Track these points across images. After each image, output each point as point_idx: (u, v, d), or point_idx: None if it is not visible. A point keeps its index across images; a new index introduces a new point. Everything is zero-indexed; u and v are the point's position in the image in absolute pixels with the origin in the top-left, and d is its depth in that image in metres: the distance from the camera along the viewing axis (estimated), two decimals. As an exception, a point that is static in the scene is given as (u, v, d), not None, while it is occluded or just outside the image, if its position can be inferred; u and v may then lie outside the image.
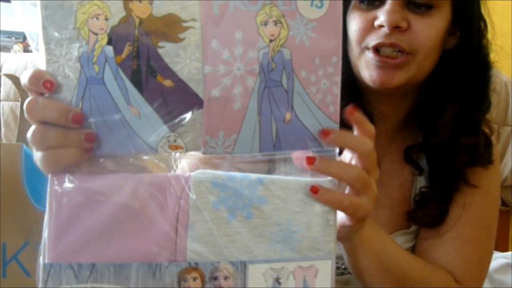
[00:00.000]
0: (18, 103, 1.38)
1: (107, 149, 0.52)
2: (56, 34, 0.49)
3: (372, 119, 0.83)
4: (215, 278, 0.55)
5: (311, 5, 0.52)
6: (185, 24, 0.50)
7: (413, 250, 0.88)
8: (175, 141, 0.51)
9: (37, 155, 0.52)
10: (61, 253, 0.53)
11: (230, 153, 0.53)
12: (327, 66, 0.54)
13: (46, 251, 0.53)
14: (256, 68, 0.51)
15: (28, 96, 0.51)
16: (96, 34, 0.49)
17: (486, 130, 0.86)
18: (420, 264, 0.81)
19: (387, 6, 0.76)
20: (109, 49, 0.49)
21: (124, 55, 0.50)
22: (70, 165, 0.52)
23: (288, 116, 0.53)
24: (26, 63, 1.71)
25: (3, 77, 1.19)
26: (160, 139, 0.51)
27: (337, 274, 0.87)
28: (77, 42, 0.49)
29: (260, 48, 0.51)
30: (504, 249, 1.33)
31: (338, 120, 0.55)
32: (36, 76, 0.50)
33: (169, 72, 0.50)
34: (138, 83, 0.50)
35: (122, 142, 0.51)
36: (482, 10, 0.84)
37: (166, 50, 0.50)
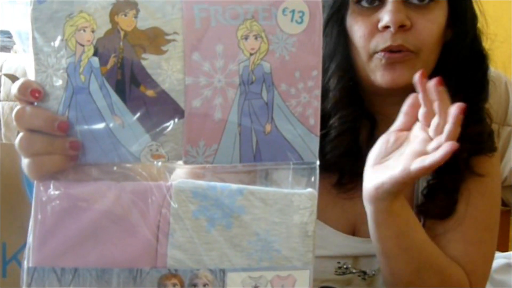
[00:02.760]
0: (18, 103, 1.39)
1: (91, 157, 0.54)
2: (45, 45, 0.52)
3: (375, 120, 0.87)
4: (194, 285, 0.57)
5: (291, 20, 0.55)
6: (168, 37, 0.52)
7: None
8: (157, 150, 0.54)
9: (24, 162, 0.55)
10: (44, 257, 0.55)
11: (211, 162, 0.55)
12: (307, 79, 0.56)
13: (31, 255, 0.55)
14: (236, 80, 0.54)
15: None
16: (82, 45, 0.52)
17: (487, 119, 0.88)
18: (439, 253, 0.82)
19: (390, 6, 0.77)
20: (95, 60, 0.52)
21: (109, 66, 0.52)
22: (55, 171, 0.54)
23: (268, 127, 0.55)
24: (26, 63, 1.73)
25: (3, 77, 1.22)
26: (142, 148, 0.53)
27: (338, 274, 0.89)
28: (65, 53, 0.52)
29: (241, 61, 0.54)
30: (504, 249, 1.33)
31: (318, 133, 0.57)
32: (25, 86, 0.53)
33: (151, 83, 0.52)
34: (122, 93, 0.52)
35: (106, 151, 0.53)
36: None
37: (149, 62, 0.52)
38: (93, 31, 0.52)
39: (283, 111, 0.57)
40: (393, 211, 0.73)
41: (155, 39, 0.53)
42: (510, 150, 1.45)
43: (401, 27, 0.77)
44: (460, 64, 0.84)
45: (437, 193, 0.86)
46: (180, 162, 0.57)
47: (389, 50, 0.78)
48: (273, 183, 0.59)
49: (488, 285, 1.10)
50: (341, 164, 0.84)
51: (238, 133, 0.56)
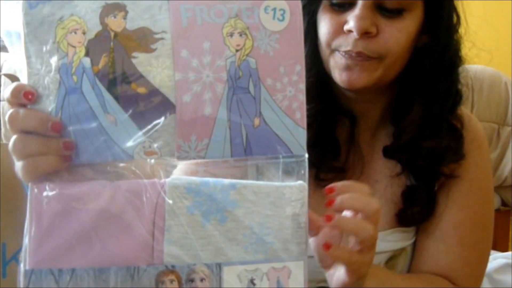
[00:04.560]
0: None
1: (85, 157, 0.55)
2: (37, 48, 0.54)
3: (354, 117, 0.88)
4: (192, 280, 0.58)
5: (273, 18, 0.57)
6: (156, 36, 0.54)
7: (413, 248, 0.91)
8: (150, 146, 0.55)
9: (18, 165, 0.56)
10: (42, 259, 0.56)
11: (203, 157, 0.56)
12: (291, 74, 0.58)
13: (27, 258, 0.56)
14: (224, 76, 0.56)
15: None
16: (74, 47, 0.54)
17: (458, 124, 0.88)
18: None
19: (357, 10, 0.78)
20: (87, 61, 0.54)
21: (100, 65, 0.54)
22: (49, 172, 0.55)
23: (256, 121, 0.57)
24: (18, 66, 1.73)
25: (3, 77, 1.23)
26: (136, 145, 0.55)
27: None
28: (57, 55, 0.54)
29: (227, 57, 0.56)
30: (504, 249, 1.34)
31: (305, 125, 0.60)
32: (18, 89, 0.55)
33: (142, 80, 0.54)
34: (114, 91, 0.54)
35: (100, 150, 0.55)
36: (459, 6, 0.85)
37: (139, 60, 0.54)
38: (84, 33, 0.55)
39: (270, 105, 0.59)
40: None
41: (144, 38, 0.55)
42: (510, 150, 1.46)
43: (366, 34, 0.78)
44: (430, 70, 0.85)
45: (414, 198, 0.87)
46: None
47: (349, 52, 0.79)
48: (264, 177, 0.61)
49: (488, 285, 1.13)
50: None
51: (228, 127, 0.57)
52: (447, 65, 0.85)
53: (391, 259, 0.89)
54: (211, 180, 0.59)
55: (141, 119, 0.55)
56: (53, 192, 0.56)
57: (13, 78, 1.15)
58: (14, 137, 0.56)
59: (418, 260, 0.89)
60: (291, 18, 0.59)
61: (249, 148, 0.59)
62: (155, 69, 0.55)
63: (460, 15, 0.85)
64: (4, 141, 1.41)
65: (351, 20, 0.77)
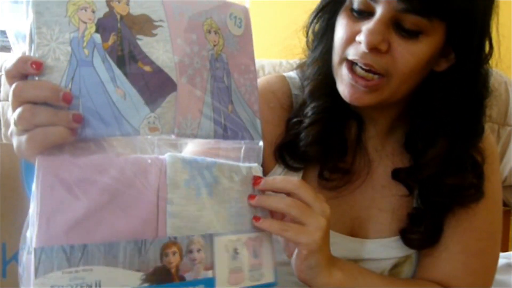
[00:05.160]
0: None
1: (92, 131, 0.56)
2: (48, 19, 0.55)
3: (362, 120, 0.88)
4: (190, 251, 0.61)
5: (234, 24, 0.68)
6: (156, 23, 0.61)
7: (418, 255, 0.90)
8: (154, 122, 0.59)
9: (22, 138, 0.53)
10: (52, 236, 0.54)
11: (196, 135, 0.62)
12: (249, 72, 0.70)
13: (36, 236, 0.53)
14: (207, 65, 0.64)
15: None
16: (85, 23, 0.56)
17: (478, 158, 0.85)
18: None
19: (371, 24, 0.75)
20: (97, 37, 0.57)
21: (110, 42, 0.57)
22: (58, 143, 0.55)
23: (230, 108, 0.66)
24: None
25: (3, 77, 0.97)
26: (142, 119, 0.58)
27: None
28: (69, 28, 0.55)
29: (208, 49, 0.65)
30: (504, 249, 1.31)
31: (259, 117, 0.69)
32: (23, 60, 0.54)
33: (147, 60, 0.59)
34: (123, 67, 0.58)
35: (108, 124, 0.57)
36: (493, 31, 0.80)
37: (144, 42, 0.59)
38: (93, 12, 0.57)
39: (237, 95, 0.68)
40: (336, 284, 0.73)
41: (146, 24, 0.60)
42: (510, 150, 1.47)
43: (375, 49, 0.75)
44: (453, 101, 0.81)
45: (422, 221, 0.86)
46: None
47: (356, 62, 0.77)
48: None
49: None
50: (310, 153, 0.84)
51: (212, 110, 0.64)
52: (476, 97, 0.82)
53: (396, 267, 0.89)
54: (198, 158, 0.64)
55: (147, 95, 0.59)
56: (60, 167, 0.54)
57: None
58: (19, 108, 0.53)
59: (421, 267, 0.87)
60: (246, 26, 0.71)
61: (226, 132, 0.66)
62: (157, 51, 0.60)
63: (494, 44, 0.81)
64: (4, 141, 1.14)
65: (363, 33, 0.75)
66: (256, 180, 0.69)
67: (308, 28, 0.88)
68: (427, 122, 0.83)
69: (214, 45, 0.66)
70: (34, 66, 0.53)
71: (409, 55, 0.75)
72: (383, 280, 0.82)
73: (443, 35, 0.76)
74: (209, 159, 0.65)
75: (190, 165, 0.62)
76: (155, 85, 0.60)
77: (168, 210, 0.60)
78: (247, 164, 0.69)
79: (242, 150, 0.69)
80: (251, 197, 0.68)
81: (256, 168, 0.70)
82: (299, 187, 0.69)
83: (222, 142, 0.67)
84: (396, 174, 0.88)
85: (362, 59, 0.76)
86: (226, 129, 0.66)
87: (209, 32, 0.66)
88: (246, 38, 0.71)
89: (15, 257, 0.84)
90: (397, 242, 0.87)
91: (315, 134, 0.82)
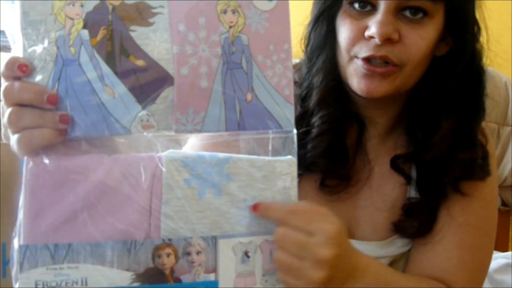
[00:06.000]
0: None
1: (81, 131, 0.56)
2: (34, 19, 0.54)
3: (363, 123, 0.88)
4: (188, 254, 0.59)
5: (263, -3, 0.59)
6: (154, 10, 0.56)
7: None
8: (147, 120, 0.56)
9: (13, 138, 0.55)
10: (37, 234, 0.55)
11: (199, 130, 0.58)
12: (280, 52, 0.61)
13: (22, 233, 0.54)
14: (219, 51, 0.58)
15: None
16: (72, 19, 0.54)
17: (482, 138, 0.86)
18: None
19: (379, 16, 0.75)
20: (85, 33, 0.55)
21: (99, 37, 0.55)
22: (44, 145, 0.55)
23: (249, 96, 0.60)
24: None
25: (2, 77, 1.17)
26: (133, 118, 0.56)
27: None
28: (54, 27, 0.54)
29: (221, 33, 0.58)
30: (504, 249, 1.33)
31: (292, 102, 0.62)
32: (11, 62, 0.55)
33: (141, 53, 0.55)
34: (112, 64, 0.55)
35: (96, 123, 0.55)
36: (477, 14, 0.83)
37: (138, 33, 0.56)
38: (82, 6, 0.55)
39: (261, 81, 0.61)
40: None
41: (142, 12, 0.57)
42: (510, 150, 1.44)
43: (387, 40, 0.75)
44: (454, 82, 0.82)
45: (416, 212, 0.85)
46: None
47: (371, 58, 0.76)
48: (254, 151, 0.62)
49: (488, 285, 1.14)
50: (320, 164, 0.83)
51: (223, 101, 0.59)
52: (475, 73, 0.83)
53: (392, 264, 0.88)
54: (206, 154, 0.60)
55: (139, 92, 0.56)
56: (49, 165, 0.56)
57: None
58: (9, 110, 0.55)
59: (416, 263, 0.86)
60: (279, -2, 0.62)
61: (243, 123, 0.61)
62: (153, 42, 0.56)
63: (480, 24, 0.83)
64: (4, 141, 1.37)
65: (373, 26, 0.75)
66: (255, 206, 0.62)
67: (307, 39, 0.86)
68: (430, 108, 0.83)
69: (230, 27, 0.60)
70: (21, 68, 0.54)
71: (420, 39, 0.77)
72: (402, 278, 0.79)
73: (442, 16, 0.78)
74: (221, 155, 0.60)
75: (193, 163, 0.59)
76: (148, 81, 0.56)
77: (163, 211, 0.58)
78: (278, 158, 0.63)
79: (270, 141, 0.63)
80: (255, 207, 0.61)
81: (289, 161, 0.63)
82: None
83: (242, 133, 0.61)
84: (395, 162, 0.87)
85: (377, 53, 0.76)
86: (243, 120, 0.60)
87: (225, 12, 0.59)
88: (278, 12, 0.62)
89: (16, 257, 0.89)
90: (393, 242, 0.87)
91: (325, 146, 0.81)
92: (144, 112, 0.57)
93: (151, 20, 0.57)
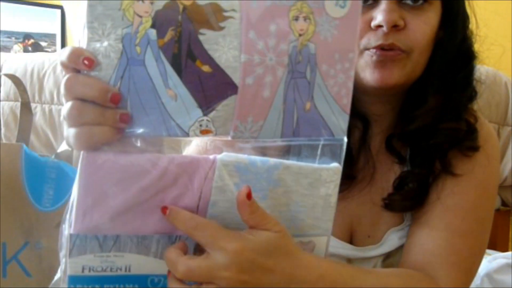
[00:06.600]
0: (18, 103, 1.40)
1: (139, 130, 0.55)
2: (101, 13, 0.52)
3: (367, 121, 0.89)
4: (229, 252, 0.59)
5: (336, 4, 0.58)
6: (226, 14, 0.53)
7: None
8: (207, 126, 0.55)
9: (70, 131, 0.55)
10: (88, 227, 0.57)
11: (256, 137, 0.58)
12: (344, 61, 0.60)
13: (73, 223, 0.56)
14: (285, 60, 0.56)
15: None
16: (140, 16, 0.52)
17: (471, 119, 0.88)
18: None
19: (384, 5, 0.79)
20: (152, 32, 0.52)
21: (166, 38, 0.53)
22: (102, 143, 0.55)
23: (308, 105, 0.59)
24: (26, 63, 1.73)
25: (3, 77, 1.15)
26: (193, 122, 0.55)
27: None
28: (121, 23, 0.52)
29: (291, 41, 0.56)
30: (504, 249, 1.32)
31: (348, 111, 0.61)
32: (76, 53, 0.52)
33: (208, 58, 0.54)
34: (177, 67, 0.54)
35: (156, 124, 0.55)
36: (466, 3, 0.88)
37: (207, 37, 0.53)
38: (151, 3, 0.52)
39: (322, 90, 0.60)
40: None
41: (213, 15, 0.54)
42: (510, 150, 1.46)
43: (394, 27, 0.79)
44: (447, 63, 0.86)
45: (406, 184, 0.87)
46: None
47: (380, 48, 0.79)
48: (302, 157, 0.63)
49: (488, 285, 1.16)
50: None
51: (282, 110, 0.58)
52: (464, 56, 0.87)
53: (388, 257, 0.89)
54: (258, 159, 0.60)
55: (202, 97, 0.55)
56: (106, 162, 0.56)
57: (13, 78, 1.07)
58: (69, 103, 0.54)
59: (408, 249, 0.86)
60: (352, 5, 0.59)
61: (298, 130, 0.60)
62: (222, 48, 0.54)
63: (468, 12, 0.88)
64: (4, 141, 1.33)
65: (379, 15, 0.78)
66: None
67: None
68: (420, 88, 0.86)
69: (300, 35, 0.57)
70: (86, 62, 0.52)
71: (424, 24, 0.81)
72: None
73: (440, 4, 0.83)
74: (272, 161, 0.61)
75: (244, 169, 0.59)
76: (211, 87, 0.55)
77: (209, 212, 0.59)
78: (324, 166, 0.63)
79: (320, 147, 0.63)
80: (163, 209, 0.58)
81: (335, 169, 0.63)
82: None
83: (293, 139, 0.61)
84: (391, 139, 0.88)
85: (386, 41, 0.79)
86: (298, 128, 0.60)
87: (296, 19, 0.57)
88: (349, 20, 0.59)
89: (15, 257, 0.88)
90: (390, 236, 0.88)
91: None
92: (204, 118, 0.56)
93: (222, 25, 0.54)
